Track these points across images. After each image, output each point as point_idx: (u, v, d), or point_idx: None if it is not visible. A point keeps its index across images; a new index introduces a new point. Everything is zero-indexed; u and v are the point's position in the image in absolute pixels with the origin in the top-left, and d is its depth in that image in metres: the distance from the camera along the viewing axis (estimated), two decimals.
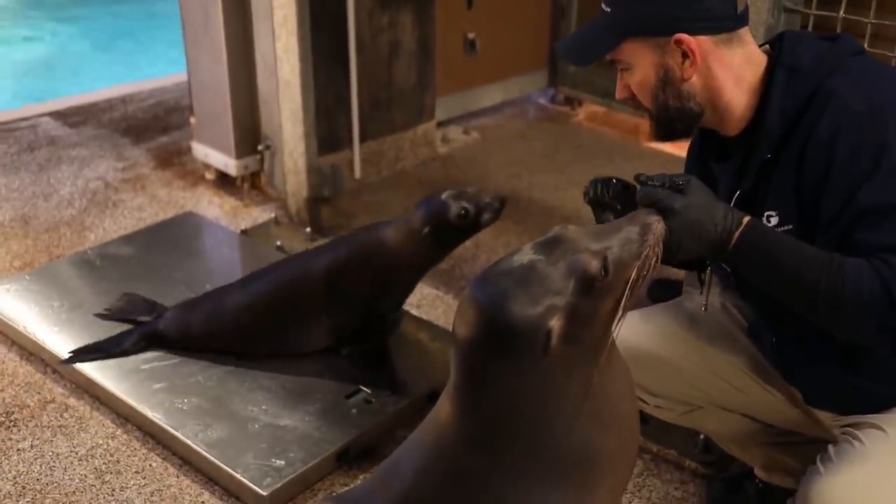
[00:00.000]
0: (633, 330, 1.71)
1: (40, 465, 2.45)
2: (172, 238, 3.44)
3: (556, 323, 1.37)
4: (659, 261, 1.47)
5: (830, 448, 1.69)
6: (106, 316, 2.89)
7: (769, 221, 1.67)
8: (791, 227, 1.65)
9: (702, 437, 2.41)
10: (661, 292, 2.54)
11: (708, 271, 1.94)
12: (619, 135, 4.64)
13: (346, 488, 2.35)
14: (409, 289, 2.74)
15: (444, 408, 1.54)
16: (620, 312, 1.45)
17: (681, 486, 2.40)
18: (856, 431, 1.68)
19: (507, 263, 1.42)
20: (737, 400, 2.01)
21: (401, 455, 1.64)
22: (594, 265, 1.39)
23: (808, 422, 1.92)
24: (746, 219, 1.57)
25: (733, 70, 1.68)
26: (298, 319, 2.69)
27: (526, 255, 1.42)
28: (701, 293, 2.00)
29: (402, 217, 2.64)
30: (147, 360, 2.70)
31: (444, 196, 2.52)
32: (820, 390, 1.81)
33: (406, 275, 2.67)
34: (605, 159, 4.32)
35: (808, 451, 1.83)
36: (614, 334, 1.48)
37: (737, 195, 1.75)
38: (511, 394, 1.44)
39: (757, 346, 1.93)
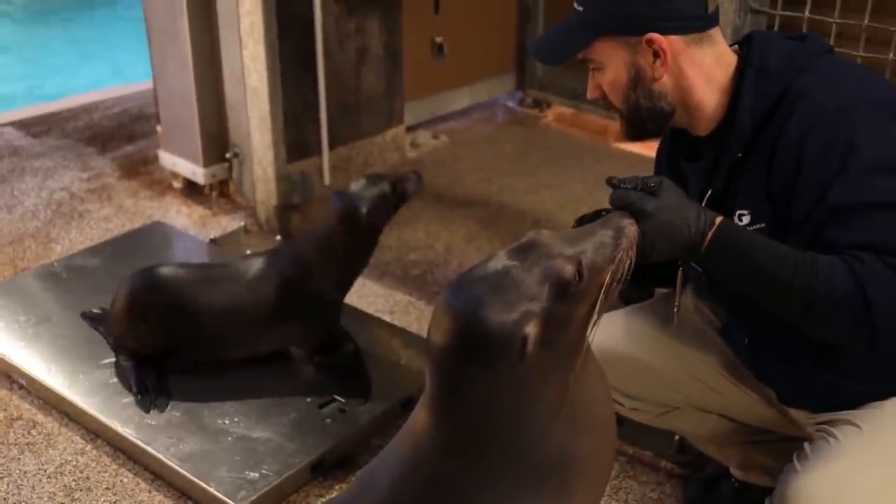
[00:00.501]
0: (607, 333, 1.70)
1: (7, 484, 2.40)
2: (140, 248, 3.39)
3: (531, 329, 1.36)
4: (633, 264, 1.47)
5: (806, 446, 1.69)
6: (93, 317, 2.87)
7: (741, 220, 1.68)
8: (763, 225, 1.66)
9: (677, 437, 2.41)
10: (634, 294, 2.54)
11: (679, 272, 1.94)
12: (587, 136, 4.65)
13: (322, 499, 2.33)
14: (356, 275, 2.70)
15: (419, 416, 1.52)
16: (595, 316, 1.44)
17: (657, 488, 2.40)
18: (831, 428, 1.69)
19: (482, 269, 1.41)
20: (712, 400, 2.01)
21: (377, 465, 1.62)
22: (568, 270, 1.38)
23: (782, 420, 1.92)
24: (719, 219, 1.57)
25: (704, 69, 1.69)
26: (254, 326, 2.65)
27: (500, 260, 1.41)
28: (673, 294, 2.00)
29: (326, 217, 2.59)
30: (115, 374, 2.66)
31: (354, 187, 2.52)
32: (794, 389, 1.82)
33: (356, 263, 2.64)
34: (575, 160, 4.33)
35: (784, 448, 1.83)
36: (589, 338, 1.47)
37: (708, 195, 1.75)
38: (487, 400, 1.43)
39: (729, 346, 1.94)
